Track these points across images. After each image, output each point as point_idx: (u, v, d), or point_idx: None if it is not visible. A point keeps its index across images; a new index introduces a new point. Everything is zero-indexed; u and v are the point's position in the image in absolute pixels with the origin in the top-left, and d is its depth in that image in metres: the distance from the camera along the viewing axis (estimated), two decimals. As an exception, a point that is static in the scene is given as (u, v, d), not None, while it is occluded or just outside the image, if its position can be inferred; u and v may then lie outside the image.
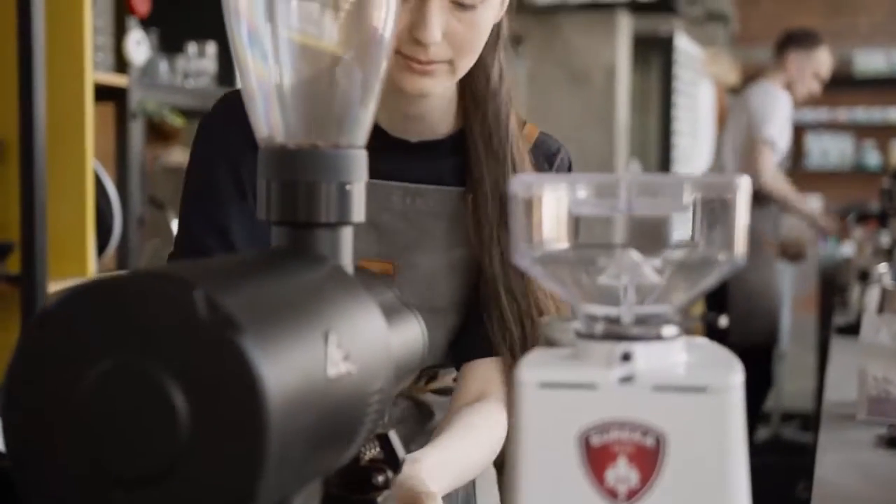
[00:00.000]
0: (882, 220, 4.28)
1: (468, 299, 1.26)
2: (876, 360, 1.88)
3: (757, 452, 5.02)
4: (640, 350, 0.62)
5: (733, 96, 9.29)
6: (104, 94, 2.56)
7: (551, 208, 0.64)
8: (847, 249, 6.23)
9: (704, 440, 0.60)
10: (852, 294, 3.30)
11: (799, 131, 9.80)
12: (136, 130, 2.60)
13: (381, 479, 0.75)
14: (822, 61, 4.23)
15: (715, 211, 0.63)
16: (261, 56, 0.72)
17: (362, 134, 0.73)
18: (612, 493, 0.60)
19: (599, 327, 0.64)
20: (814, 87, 4.29)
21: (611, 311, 0.64)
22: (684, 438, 0.60)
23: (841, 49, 9.64)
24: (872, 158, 9.69)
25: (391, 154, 1.25)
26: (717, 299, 4.04)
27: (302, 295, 0.63)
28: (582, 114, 5.58)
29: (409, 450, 1.19)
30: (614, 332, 0.63)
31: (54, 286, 2.37)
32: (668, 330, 0.63)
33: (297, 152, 0.71)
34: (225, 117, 1.22)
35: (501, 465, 1.27)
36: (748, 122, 4.22)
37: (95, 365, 0.54)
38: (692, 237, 0.64)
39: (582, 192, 0.64)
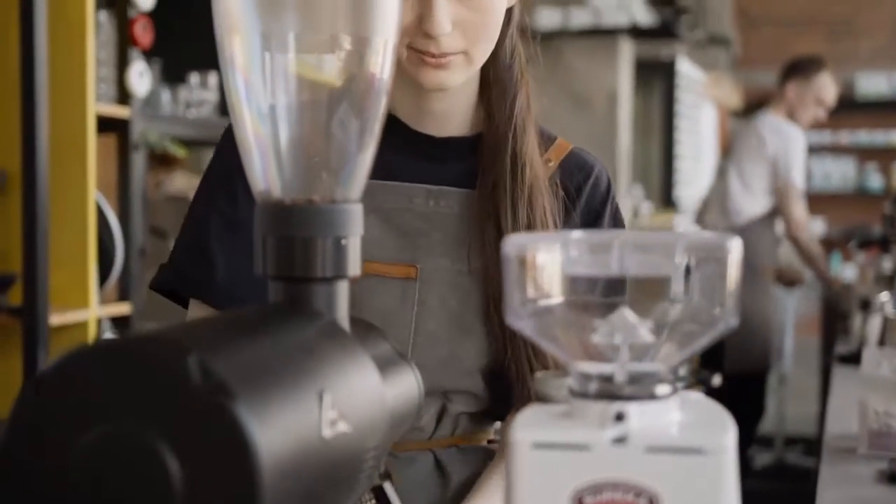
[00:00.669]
0: (884, 245, 4.29)
1: (501, 317, 1.21)
2: (877, 393, 1.88)
3: (760, 477, 5.01)
4: (633, 410, 0.62)
5: (736, 119, 9.32)
6: (106, 125, 2.57)
7: (544, 267, 0.64)
8: (849, 272, 6.23)
9: (698, 501, 0.60)
10: (854, 322, 3.30)
11: (801, 154, 9.83)
12: (139, 161, 2.61)
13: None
14: (824, 87, 4.23)
15: (708, 270, 0.63)
16: (257, 111, 0.72)
17: (358, 187, 0.74)
18: (606, 555, 0.60)
19: (593, 386, 0.64)
20: (818, 113, 4.30)
21: (604, 368, 0.64)
22: (678, 499, 0.60)
23: (843, 72, 9.66)
24: (875, 181, 9.69)
25: (414, 150, 1.22)
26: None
27: (296, 355, 0.64)
28: (584, 139, 5.57)
29: None
30: (608, 392, 0.63)
31: (56, 318, 2.37)
32: (662, 389, 0.64)
33: (294, 208, 0.71)
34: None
35: None
36: (772, 166, 4.25)
37: (91, 430, 0.55)
38: (685, 296, 0.64)
39: (574, 252, 0.64)
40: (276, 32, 0.71)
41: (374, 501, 0.77)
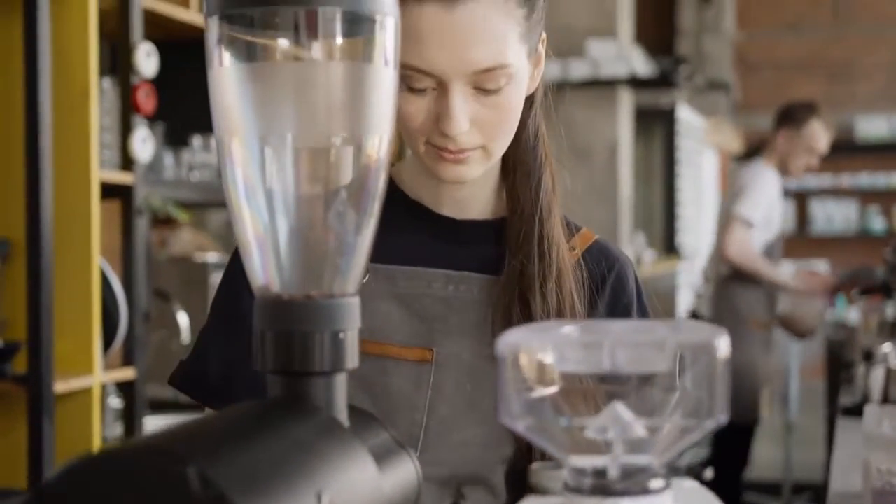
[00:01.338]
0: (887, 291, 4.29)
1: None
2: (879, 451, 1.88)
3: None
4: (627, 506, 0.63)
5: (737, 164, 9.36)
6: (110, 191, 2.59)
7: (537, 365, 0.65)
8: (854, 315, 6.23)
9: None
10: (857, 372, 3.30)
11: (803, 197, 9.86)
12: (142, 226, 2.64)
13: None
14: (815, 135, 4.21)
15: (697, 367, 0.64)
16: (255, 207, 0.74)
17: (355, 280, 0.75)
18: None
19: (587, 481, 0.65)
20: (810, 161, 4.29)
21: (598, 462, 0.65)
22: None
23: (842, 115, 9.73)
24: (877, 223, 9.72)
25: (436, 233, 1.22)
26: None
27: (294, 456, 0.65)
28: (585, 189, 5.62)
29: None
30: (601, 487, 0.64)
31: (61, 385, 2.38)
32: (656, 483, 0.65)
33: (292, 303, 0.72)
34: None
35: None
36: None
37: (92, 540, 0.56)
38: (676, 392, 0.65)
39: (567, 349, 0.65)
40: (274, 133, 0.73)
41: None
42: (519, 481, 1.18)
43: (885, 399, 2.76)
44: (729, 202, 4.30)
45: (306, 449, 0.67)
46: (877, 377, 2.84)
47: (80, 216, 2.44)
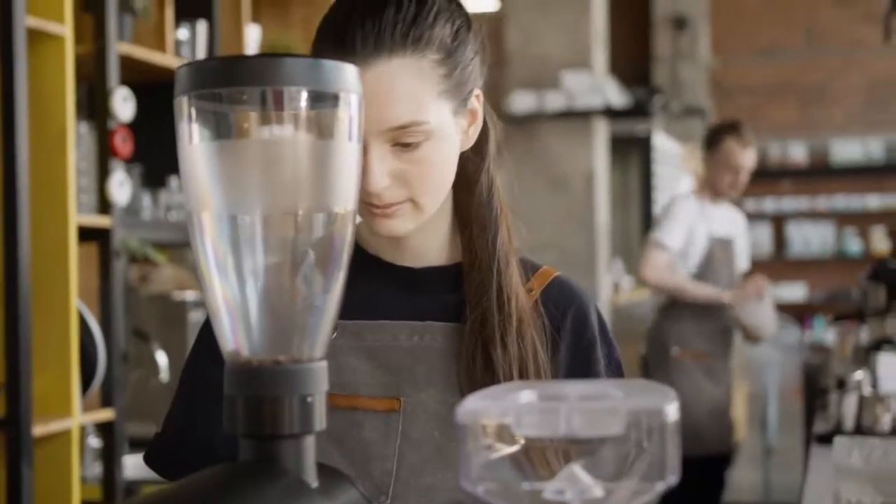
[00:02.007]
0: (860, 316, 4.33)
1: None
2: (849, 482, 1.92)
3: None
4: (583, 566, 0.66)
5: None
6: (87, 234, 2.61)
7: (496, 431, 0.68)
8: (831, 337, 6.28)
9: None
10: (831, 398, 3.34)
11: (780, 220, 9.94)
12: (119, 269, 2.66)
13: None
14: (730, 153, 4.09)
15: (650, 432, 0.67)
16: (225, 277, 0.77)
17: (323, 344, 0.78)
18: None
19: (546, 542, 0.68)
20: (735, 179, 4.11)
21: (557, 522, 0.68)
22: None
23: (817, 139, 9.83)
24: (854, 245, 9.79)
25: (395, 284, 1.24)
26: None
27: (264, 523, 0.67)
28: (562, 218, 5.67)
29: None
30: (560, 547, 0.67)
31: (39, 428, 2.39)
32: (611, 542, 0.68)
33: (261, 368, 0.75)
34: None
35: None
36: None
37: None
38: (630, 455, 0.68)
39: (525, 416, 0.68)
40: (243, 207, 0.76)
41: None
42: None
43: (858, 427, 2.80)
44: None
45: (275, 515, 0.70)
46: (850, 405, 2.88)
47: (57, 260, 2.46)
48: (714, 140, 4.15)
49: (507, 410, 0.69)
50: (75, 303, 2.49)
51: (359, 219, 1.20)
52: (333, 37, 1.14)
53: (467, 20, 1.19)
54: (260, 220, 0.76)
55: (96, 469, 2.83)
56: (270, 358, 0.76)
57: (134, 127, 2.73)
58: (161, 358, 2.92)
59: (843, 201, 9.75)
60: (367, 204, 1.15)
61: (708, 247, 4.09)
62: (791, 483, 5.62)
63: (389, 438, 1.18)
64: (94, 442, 2.84)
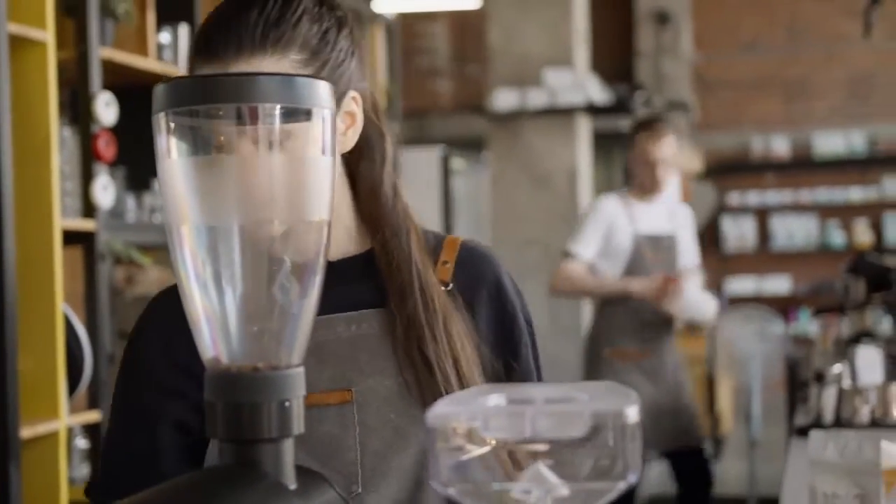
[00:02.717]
0: (841, 309, 4.38)
1: None
2: (825, 475, 1.95)
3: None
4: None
5: (697, 182, 9.48)
6: (72, 237, 2.63)
7: (465, 434, 0.71)
8: (813, 329, 6.34)
9: None
10: (811, 392, 3.38)
11: (763, 213, 9.99)
12: (104, 272, 2.68)
13: None
14: (643, 149, 4.01)
15: (612, 432, 0.70)
16: (203, 288, 0.79)
17: (299, 351, 0.80)
18: None
19: (514, 540, 0.71)
20: (655, 173, 4.02)
21: (524, 520, 0.71)
22: None
23: (800, 132, 9.88)
24: (837, 237, 9.84)
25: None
26: None
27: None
28: (546, 215, 5.70)
29: None
30: (527, 544, 0.70)
31: (27, 431, 2.41)
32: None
33: (240, 375, 0.78)
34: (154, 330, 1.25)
35: None
36: None
37: None
38: (593, 454, 0.71)
39: (492, 419, 0.71)
40: (220, 220, 0.79)
41: None
42: None
43: (838, 419, 2.83)
44: None
45: (254, 517, 0.73)
46: (829, 398, 2.91)
47: (42, 264, 2.48)
48: (631, 139, 4.15)
49: (476, 414, 0.72)
50: (61, 306, 2.51)
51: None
52: (203, 42, 1.16)
53: (339, 22, 1.20)
54: (237, 232, 0.79)
55: (84, 470, 2.86)
56: (249, 365, 0.79)
57: (117, 130, 2.75)
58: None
59: (826, 194, 9.81)
60: None
61: (633, 246, 4.02)
62: (776, 474, 5.65)
63: (348, 429, 1.20)
64: (82, 443, 2.87)
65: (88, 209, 2.67)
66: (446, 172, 6.94)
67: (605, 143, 6.86)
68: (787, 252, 9.92)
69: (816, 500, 1.91)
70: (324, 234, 0.81)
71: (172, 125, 0.78)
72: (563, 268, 4.03)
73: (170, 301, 1.24)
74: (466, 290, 1.28)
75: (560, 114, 5.65)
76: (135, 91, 2.80)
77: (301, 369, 0.80)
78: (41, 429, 2.46)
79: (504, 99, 5.71)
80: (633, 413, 0.70)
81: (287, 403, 0.78)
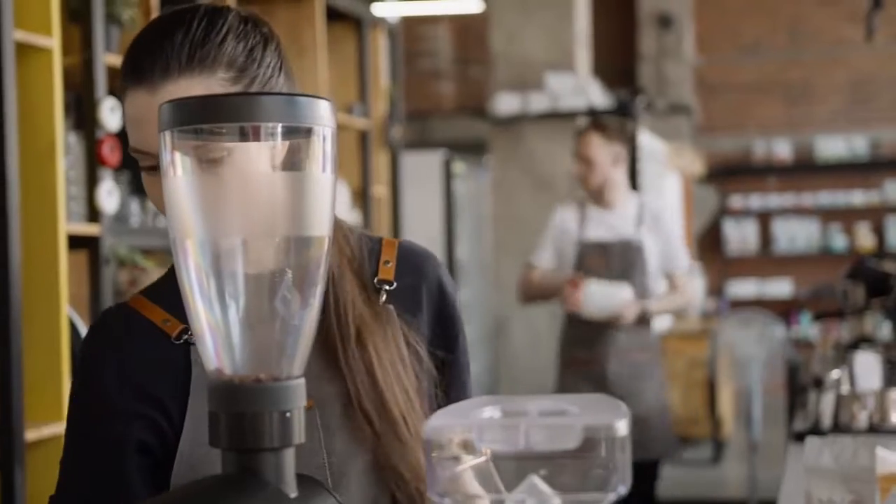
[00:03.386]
0: (840, 314, 4.39)
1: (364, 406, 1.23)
2: (820, 482, 1.97)
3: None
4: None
5: (699, 185, 9.50)
6: (77, 242, 2.66)
7: (460, 445, 0.74)
8: (815, 332, 6.36)
9: None
10: (809, 397, 3.39)
11: (765, 217, 10.02)
12: (108, 276, 2.70)
13: None
14: (576, 147, 4.06)
15: (603, 446, 0.72)
16: (207, 301, 0.82)
17: (300, 363, 0.83)
18: None
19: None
20: (577, 173, 4.06)
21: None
22: None
23: (802, 136, 9.90)
24: (839, 241, 9.87)
25: None
26: None
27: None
28: (547, 219, 5.71)
29: None
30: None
31: (32, 434, 2.44)
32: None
33: (242, 386, 0.80)
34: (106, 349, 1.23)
35: None
36: None
37: None
38: (584, 465, 0.73)
39: (487, 432, 0.73)
40: (223, 235, 0.81)
41: None
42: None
43: (836, 425, 2.85)
44: None
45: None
46: (827, 403, 2.93)
47: (47, 268, 2.50)
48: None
49: (470, 426, 0.74)
50: (66, 309, 2.54)
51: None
52: (130, 66, 1.16)
53: (264, 38, 1.20)
54: (240, 247, 0.81)
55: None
56: (251, 376, 0.81)
57: (122, 135, 2.78)
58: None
59: (828, 198, 9.83)
60: None
61: (577, 254, 4.00)
62: (776, 478, 5.66)
63: (312, 434, 1.20)
64: (85, 446, 2.89)
65: (93, 214, 2.69)
66: (448, 176, 6.96)
67: (606, 147, 6.86)
68: (788, 256, 9.95)
69: (812, 506, 1.93)
70: (324, 248, 0.83)
71: (177, 143, 0.80)
72: (522, 277, 4.10)
73: (116, 322, 1.25)
74: (409, 288, 1.29)
75: (562, 118, 5.68)
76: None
77: (302, 380, 0.82)
78: (46, 431, 2.48)
79: (506, 103, 5.73)
80: (622, 426, 0.72)
81: (288, 414, 0.81)
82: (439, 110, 9.55)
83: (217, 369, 0.82)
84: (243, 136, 0.81)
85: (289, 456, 0.81)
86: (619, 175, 4.03)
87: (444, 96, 9.72)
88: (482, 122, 6.34)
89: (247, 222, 0.81)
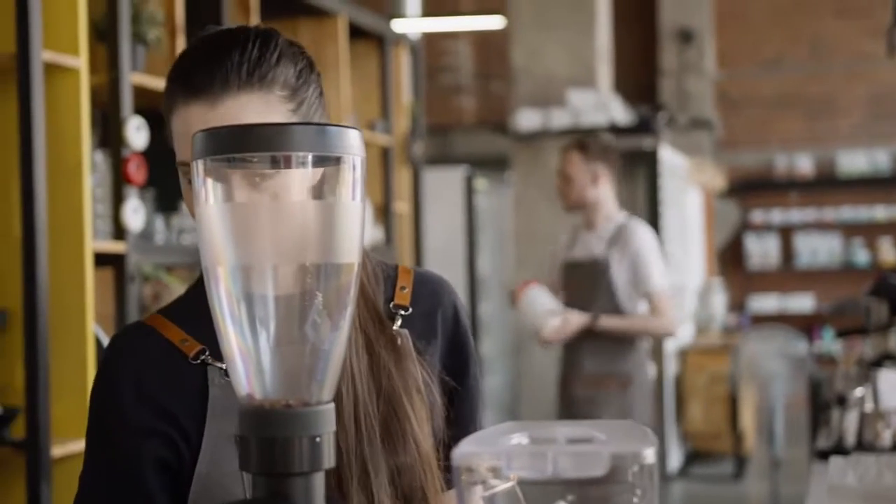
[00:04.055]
0: (864, 331, 4.36)
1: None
2: (844, 501, 1.97)
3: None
4: None
5: (720, 200, 9.48)
6: (103, 259, 2.68)
7: (489, 472, 0.74)
8: (838, 348, 6.32)
9: None
10: (833, 416, 3.38)
11: (787, 232, 9.99)
12: (134, 293, 2.73)
13: None
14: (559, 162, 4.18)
15: (631, 474, 0.73)
16: (239, 327, 0.83)
17: (330, 388, 0.84)
18: None
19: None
20: (556, 184, 4.20)
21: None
22: None
23: (823, 151, 9.87)
24: (861, 256, 9.83)
25: None
26: None
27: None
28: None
29: None
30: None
31: (58, 450, 2.46)
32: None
33: (272, 411, 0.81)
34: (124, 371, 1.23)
35: None
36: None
37: None
38: (613, 494, 0.74)
39: (515, 459, 0.74)
40: (255, 263, 0.82)
41: None
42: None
43: (860, 444, 2.84)
44: None
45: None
46: (851, 421, 2.92)
47: (74, 285, 2.53)
48: None
49: (499, 454, 0.75)
50: (92, 327, 2.56)
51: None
52: (182, 79, 1.18)
53: (309, 63, 1.23)
54: (271, 273, 0.82)
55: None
56: (281, 401, 0.82)
57: (147, 154, 2.80)
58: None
59: (851, 212, 9.80)
60: None
61: (560, 273, 4.08)
62: (799, 494, 5.64)
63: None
64: (110, 461, 2.90)
65: (119, 231, 2.72)
66: (470, 191, 6.97)
67: (628, 162, 6.86)
68: (810, 270, 9.91)
69: (836, 526, 1.93)
70: (354, 274, 0.84)
71: (210, 171, 0.82)
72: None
73: (132, 340, 1.25)
74: (424, 314, 1.31)
75: (583, 134, 5.68)
76: (165, 115, 2.85)
77: (331, 405, 0.83)
78: (72, 447, 2.50)
79: (527, 119, 5.74)
80: (650, 454, 0.73)
81: (318, 439, 0.81)
82: (460, 125, 9.57)
83: (248, 394, 0.83)
84: (275, 165, 0.82)
85: (318, 480, 0.82)
86: (602, 194, 4.02)
87: (466, 111, 9.74)
88: (503, 138, 6.35)
89: (278, 250, 0.82)
